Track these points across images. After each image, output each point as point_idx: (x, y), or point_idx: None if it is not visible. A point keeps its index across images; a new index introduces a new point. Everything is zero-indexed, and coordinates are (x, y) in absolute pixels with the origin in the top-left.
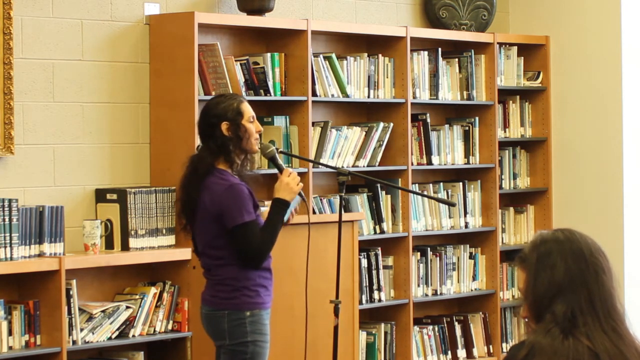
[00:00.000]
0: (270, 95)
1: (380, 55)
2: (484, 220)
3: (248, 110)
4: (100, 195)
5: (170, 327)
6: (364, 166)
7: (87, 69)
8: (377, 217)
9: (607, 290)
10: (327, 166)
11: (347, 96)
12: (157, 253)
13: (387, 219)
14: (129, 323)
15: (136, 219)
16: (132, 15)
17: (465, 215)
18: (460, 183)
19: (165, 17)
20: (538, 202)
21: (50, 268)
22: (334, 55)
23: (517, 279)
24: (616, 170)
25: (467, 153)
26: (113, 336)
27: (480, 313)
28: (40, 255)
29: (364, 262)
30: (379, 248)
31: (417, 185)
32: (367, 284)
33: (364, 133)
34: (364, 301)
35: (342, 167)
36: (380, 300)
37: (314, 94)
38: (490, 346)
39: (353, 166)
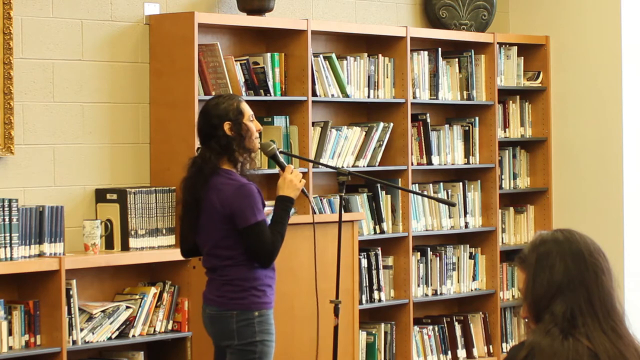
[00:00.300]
0: (270, 95)
1: (380, 55)
2: (484, 220)
3: (247, 109)
4: (100, 195)
5: (170, 327)
6: (364, 166)
7: (87, 69)
8: (377, 217)
9: (606, 291)
10: (327, 166)
11: (347, 96)
12: (157, 253)
13: (387, 219)
14: (129, 323)
15: (136, 219)
16: (132, 15)
17: (465, 215)
18: (460, 183)
19: (165, 17)
20: (538, 202)
21: (50, 268)
22: (334, 55)
23: (517, 279)
24: (616, 170)
25: (467, 153)
26: (113, 336)
27: (480, 313)
28: (40, 255)
29: (364, 262)
30: (379, 248)
31: (417, 185)
32: (367, 284)
33: (364, 133)
34: (364, 301)
35: (342, 167)
36: (380, 300)
37: (314, 94)
38: (490, 346)
39: (353, 166)
